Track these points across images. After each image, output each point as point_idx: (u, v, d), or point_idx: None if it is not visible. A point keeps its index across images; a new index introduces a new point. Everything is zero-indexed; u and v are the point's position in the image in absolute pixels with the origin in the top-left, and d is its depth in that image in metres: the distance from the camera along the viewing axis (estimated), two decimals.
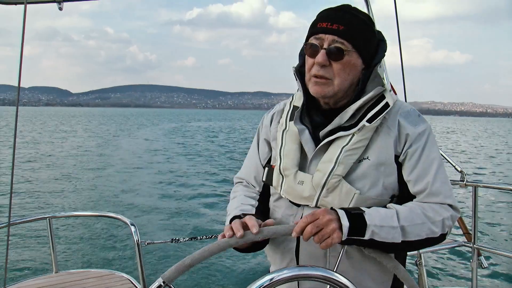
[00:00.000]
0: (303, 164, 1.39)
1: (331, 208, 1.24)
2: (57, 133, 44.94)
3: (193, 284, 6.43)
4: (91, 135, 42.67)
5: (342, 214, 1.20)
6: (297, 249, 1.39)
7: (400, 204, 1.31)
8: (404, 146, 1.33)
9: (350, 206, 1.29)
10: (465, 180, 3.18)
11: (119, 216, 3.28)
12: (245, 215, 1.34)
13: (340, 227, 1.18)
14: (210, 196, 13.37)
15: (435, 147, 1.36)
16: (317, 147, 1.35)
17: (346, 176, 1.31)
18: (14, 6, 2.32)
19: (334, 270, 1.17)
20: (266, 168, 1.48)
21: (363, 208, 1.25)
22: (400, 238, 1.23)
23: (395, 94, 3.70)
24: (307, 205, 1.36)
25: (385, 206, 1.29)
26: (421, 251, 3.10)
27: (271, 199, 1.50)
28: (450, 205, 1.31)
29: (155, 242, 3.17)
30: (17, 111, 1.77)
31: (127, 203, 11.96)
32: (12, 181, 1.90)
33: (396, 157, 1.32)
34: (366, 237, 1.20)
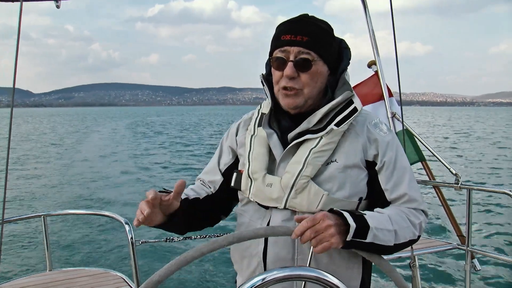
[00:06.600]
0: (271, 168, 1.40)
1: (332, 211, 1.23)
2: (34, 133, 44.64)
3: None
4: (66, 135, 42.06)
5: (348, 216, 1.19)
6: (264, 253, 1.38)
7: (371, 206, 1.36)
8: (376, 153, 1.36)
9: (319, 207, 1.30)
10: (460, 183, 3.19)
11: (113, 215, 3.27)
12: (166, 191, 1.33)
13: (339, 232, 1.18)
14: None
15: (404, 156, 1.41)
16: (285, 150, 1.37)
17: (314, 178, 1.33)
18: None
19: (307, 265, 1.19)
20: (235, 174, 1.48)
21: (361, 211, 1.27)
22: (393, 241, 1.26)
23: (391, 96, 3.71)
24: (276, 207, 1.36)
25: (372, 210, 1.32)
26: (415, 253, 3.11)
27: (239, 204, 1.51)
28: (423, 211, 1.38)
29: (149, 241, 3.16)
30: (11, 112, 1.77)
31: (122, 202, 11.93)
32: (6, 178, 1.90)
33: (368, 162, 1.36)
34: (368, 239, 1.20)
